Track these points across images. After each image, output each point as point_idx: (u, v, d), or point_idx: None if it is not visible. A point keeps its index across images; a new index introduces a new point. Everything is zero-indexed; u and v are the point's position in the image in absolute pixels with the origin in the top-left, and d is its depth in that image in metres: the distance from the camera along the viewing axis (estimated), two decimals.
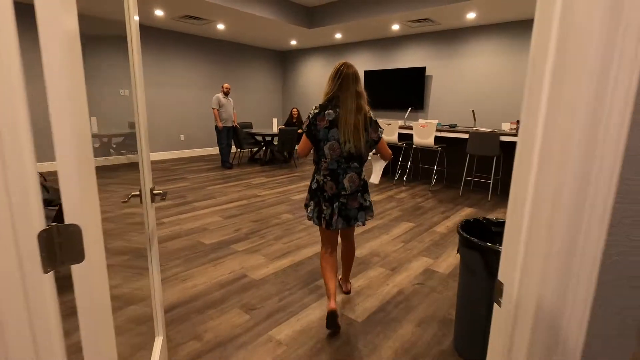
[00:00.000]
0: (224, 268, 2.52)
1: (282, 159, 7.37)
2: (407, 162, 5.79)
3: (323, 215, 1.84)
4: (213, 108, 6.11)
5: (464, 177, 4.78)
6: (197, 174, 5.78)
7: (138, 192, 1.29)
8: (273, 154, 7.28)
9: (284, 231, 3.28)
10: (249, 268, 2.53)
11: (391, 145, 5.89)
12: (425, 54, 6.76)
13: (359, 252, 2.84)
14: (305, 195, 3.83)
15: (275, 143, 6.95)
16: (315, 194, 1.88)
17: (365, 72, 7.58)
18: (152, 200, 1.32)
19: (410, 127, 5.24)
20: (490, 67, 6.01)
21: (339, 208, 1.82)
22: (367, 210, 1.92)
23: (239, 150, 7.17)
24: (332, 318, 1.75)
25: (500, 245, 0.74)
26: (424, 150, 5.62)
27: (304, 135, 1.83)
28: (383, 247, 2.96)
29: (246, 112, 8.78)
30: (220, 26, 6.54)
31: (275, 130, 6.76)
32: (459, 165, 5.28)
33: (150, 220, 1.32)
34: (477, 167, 5.11)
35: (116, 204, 4.00)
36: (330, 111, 1.76)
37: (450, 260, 2.73)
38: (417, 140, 5.06)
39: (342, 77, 1.77)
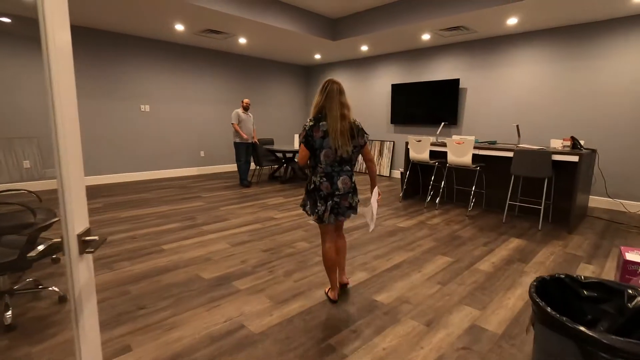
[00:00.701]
0: (220, 314, 2.09)
1: (302, 176, 6.98)
2: (440, 182, 5.21)
3: (317, 211, 2.09)
4: (233, 123, 5.86)
5: (507, 201, 4.14)
6: (213, 192, 5.48)
7: (58, 240, 0.88)
8: (294, 171, 6.92)
9: (297, 264, 2.82)
10: (249, 315, 2.08)
11: (422, 164, 5.35)
12: (459, 64, 6.23)
13: (385, 297, 2.32)
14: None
15: (296, 160, 6.58)
16: (311, 194, 2.13)
17: (393, 86, 7.14)
18: (82, 252, 0.91)
19: (444, 144, 4.69)
20: (533, 77, 5.39)
21: (331, 206, 2.08)
22: (354, 209, 2.19)
23: (257, 167, 6.87)
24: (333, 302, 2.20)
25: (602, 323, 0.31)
26: (459, 169, 5.03)
27: (301, 145, 2.06)
28: (415, 291, 2.42)
29: (268, 129, 8.52)
30: (242, 40, 6.35)
31: (296, 146, 6.40)
32: (500, 187, 4.65)
33: (78, 281, 0.91)
34: (523, 189, 4.46)
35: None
36: (324, 122, 2.01)
37: (502, 313, 2.16)
38: (452, 158, 4.50)
39: (328, 90, 2.03)
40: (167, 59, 6.64)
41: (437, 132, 5.13)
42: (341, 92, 2.05)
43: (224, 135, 7.64)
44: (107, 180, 6.13)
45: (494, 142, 4.77)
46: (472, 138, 4.34)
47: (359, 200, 2.23)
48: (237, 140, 5.89)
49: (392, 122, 7.28)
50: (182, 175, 7.10)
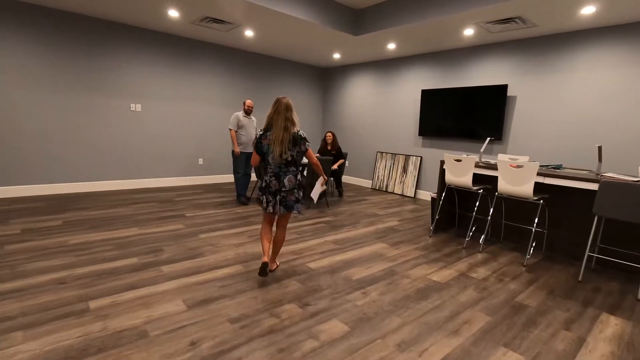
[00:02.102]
0: None
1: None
2: (485, 214, 4.08)
3: (269, 203, 2.53)
4: (230, 129, 4.93)
5: (587, 252, 2.98)
6: (201, 211, 4.54)
7: None
8: (303, 189, 5.90)
9: (277, 353, 1.79)
10: None
11: (461, 190, 4.24)
12: (508, 67, 5.10)
13: None
14: None
15: (305, 174, 5.60)
16: (264, 190, 2.56)
17: (423, 92, 6.06)
18: None
19: (493, 167, 3.58)
20: (611, 85, 4.21)
21: (280, 199, 2.53)
22: (300, 202, 2.61)
23: (259, 181, 5.90)
24: (263, 268, 2.46)
25: None
26: (511, 200, 3.89)
27: (254, 150, 2.55)
28: None
29: None
30: (249, 33, 5.46)
31: (305, 159, 5.41)
32: (568, 227, 3.49)
33: None
34: (605, 234, 3.28)
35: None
36: (270, 132, 2.46)
37: None
38: (505, 186, 3.38)
39: (277, 106, 2.46)
40: (163, 53, 5.82)
41: (481, 150, 4.03)
42: (288, 108, 2.45)
43: (226, 141, 6.75)
44: (85, 188, 5.31)
45: (559, 167, 3.62)
46: (535, 163, 3.21)
47: (301, 195, 2.63)
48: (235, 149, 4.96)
49: (420, 134, 6.18)
50: (175, 185, 6.22)
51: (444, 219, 4.23)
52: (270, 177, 2.52)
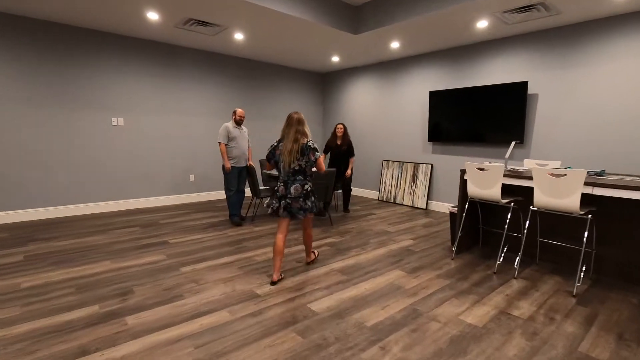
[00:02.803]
0: None
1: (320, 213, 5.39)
2: (517, 232, 3.52)
3: (272, 206, 2.79)
4: (219, 142, 4.41)
5: None
6: (188, 235, 4.00)
7: None
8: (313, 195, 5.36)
9: None
10: None
11: (487, 205, 3.68)
12: (527, 63, 4.58)
13: None
14: None
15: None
16: (274, 195, 2.81)
17: (432, 94, 5.54)
18: None
19: (526, 176, 3.02)
20: None
21: (284, 205, 2.74)
22: (307, 210, 2.77)
23: (255, 198, 5.38)
24: (273, 285, 2.72)
25: None
26: (545, 213, 3.33)
27: (266, 159, 2.83)
28: None
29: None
30: (238, 36, 4.98)
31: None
32: (622, 246, 2.91)
33: None
34: None
35: None
36: (282, 143, 2.73)
37: None
38: (544, 199, 2.82)
39: (289, 119, 2.74)
40: (146, 62, 5.34)
41: (506, 156, 3.48)
42: (299, 122, 2.73)
43: (219, 155, 6.24)
44: (60, 213, 4.78)
45: (602, 173, 3.06)
46: (582, 171, 2.66)
47: (314, 203, 2.83)
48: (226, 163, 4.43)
49: (430, 140, 5.65)
50: (164, 205, 5.69)
51: (466, 237, 3.66)
52: (280, 183, 2.79)
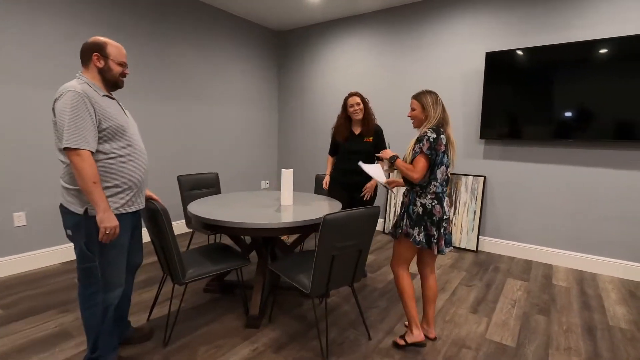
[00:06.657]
0: None
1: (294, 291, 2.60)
2: None
3: (429, 238, 1.74)
4: (72, 148, 1.39)
5: None
6: None
7: None
8: (274, 287, 2.48)
9: None
10: None
11: None
12: None
13: None
14: None
15: (288, 239, 2.42)
16: (420, 221, 1.74)
17: (489, 57, 3.27)
18: None
19: None
20: None
21: (443, 233, 1.77)
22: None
23: (174, 284, 2.40)
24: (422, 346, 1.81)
25: None
26: None
27: (423, 157, 1.68)
28: None
29: (207, 154, 4.16)
30: None
31: (284, 200, 2.18)
32: None
33: None
34: None
35: None
36: (444, 135, 1.73)
37: None
38: None
39: (441, 103, 1.77)
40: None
41: None
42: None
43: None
44: None
45: None
46: None
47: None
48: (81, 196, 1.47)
49: (482, 137, 3.38)
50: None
51: None
52: (432, 200, 1.77)
